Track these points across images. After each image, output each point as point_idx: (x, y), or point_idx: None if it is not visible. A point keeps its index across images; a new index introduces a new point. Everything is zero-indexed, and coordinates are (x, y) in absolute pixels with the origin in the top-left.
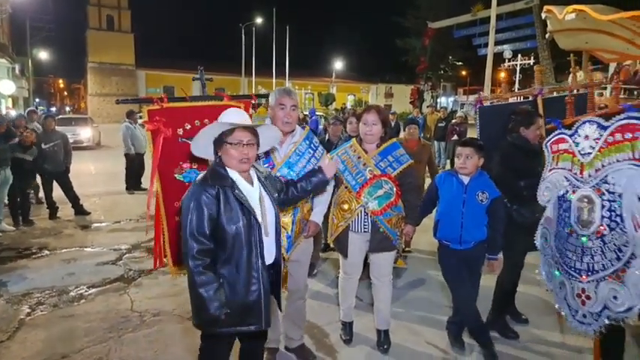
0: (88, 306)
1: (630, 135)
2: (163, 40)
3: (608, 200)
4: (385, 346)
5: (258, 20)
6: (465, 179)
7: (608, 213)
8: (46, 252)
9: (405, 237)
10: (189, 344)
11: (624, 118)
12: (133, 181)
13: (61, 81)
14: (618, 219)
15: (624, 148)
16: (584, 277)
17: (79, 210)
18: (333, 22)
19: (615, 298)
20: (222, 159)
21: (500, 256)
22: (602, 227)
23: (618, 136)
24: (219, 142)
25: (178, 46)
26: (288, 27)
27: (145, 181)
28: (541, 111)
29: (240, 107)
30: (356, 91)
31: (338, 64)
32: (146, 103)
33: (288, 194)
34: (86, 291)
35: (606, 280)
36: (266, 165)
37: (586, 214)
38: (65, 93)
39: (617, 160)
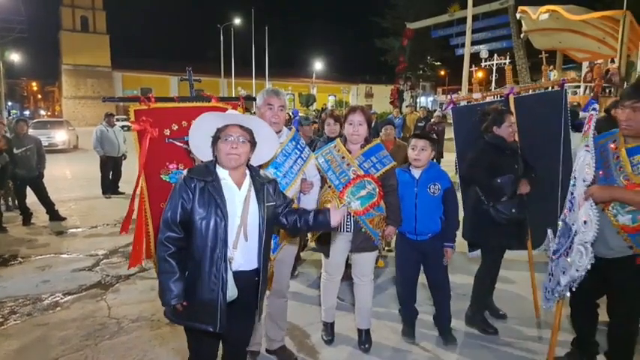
0: (63, 314)
1: (588, 125)
2: (140, 41)
3: (573, 184)
4: (366, 345)
5: (237, 21)
6: (417, 173)
7: (570, 196)
8: (20, 259)
9: (387, 238)
10: (169, 350)
11: (590, 110)
12: (109, 185)
13: (34, 84)
14: (574, 200)
15: (587, 137)
16: (553, 257)
17: (55, 216)
18: (312, 22)
19: (563, 272)
20: (217, 158)
21: (480, 253)
22: (566, 210)
23: (586, 127)
24: (215, 140)
25: (155, 47)
26: (267, 28)
27: (123, 185)
28: (513, 109)
29: (228, 109)
30: (336, 91)
31: (318, 65)
32: (133, 102)
33: (297, 223)
34: (61, 298)
35: (562, 257)
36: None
37: (567, 201)
38: (39, 96)
39: (582, 148)
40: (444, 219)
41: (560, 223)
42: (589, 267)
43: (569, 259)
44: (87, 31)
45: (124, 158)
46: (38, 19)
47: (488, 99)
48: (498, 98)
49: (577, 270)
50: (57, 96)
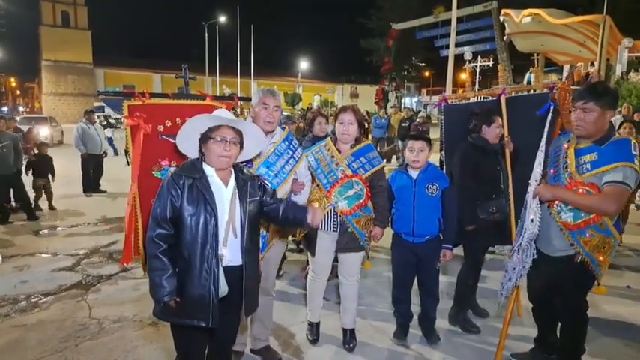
0: (42, 314)
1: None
2: (123, 38)
3: (529, 184)
4: (351, 345)
5: (222, 19)
6: (414, 173)
7: (527, 195)
8: None
9: (374, 238)
10: (151, 350)
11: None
12: (90, 184)
13: (12, 79)
14: (528, 199)
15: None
16: (510, 254)
17: (31, 215)
18: (298, 22)
19: (514, 269)
20: (204, 156)
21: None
22: (523, 209)
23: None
24: (204, 138)
25: (138, 44)
26: (252, 26)
27: (104, 183)
28: (504, 110)
29: (222, 107)
30: (322, 91)
31: (304, 64)
32: (126, 97)
33: (281, 216)
34: (41, 299)
35: (515, 253)
36: (242, 164)
37: (525, 200)
38: (18, 92)
39: (539, 149)
40: (443, 220)
41: (519, 222)
42: (530, 263)
43: (518, 256)
44: (68, 26)
45: (105, 156)
46: (17, 14)
47: (474, 99)
48: (484, 98)
49: (523, 266)
50: (36, 92)
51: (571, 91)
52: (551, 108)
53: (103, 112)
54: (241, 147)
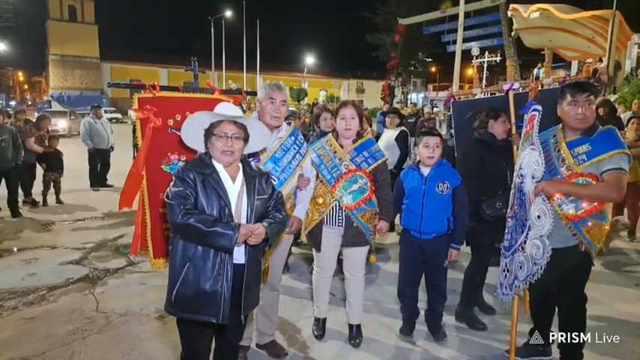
0: (50, 307)
1: (531, 125)
2: (129, 33)
3: (520, 182)
4: (357, 340)
5: (228, 13)
6: (425, 171)
7: (519, 193)
8: (5, 252)
9: (379, 232)
10: (157, 344)
11: (531, 111)
12: (97, 178)
13: (20, 73)
14: (524, 197)
15: (529, 136)
16: (506, 252)
17: (14, 211)
18: (304, 16)
19: (521, 267)
20: (209, 151)
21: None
22: (516, 207)
23: (529, 127)
24: (208, 134)
25: (145, 39)
26: (258, 21)
27: (111, 178)
28: (512, 106)
29: (230, 101)
30: (327, 86)
31: (309, 59)
32: (137, 89)
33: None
34: (48, 292)
35: (517, 252)
36: (250, 159)
37: (511, 197)
38: (25, 86)
39: (526, 147)
40: (453, 219)
41: (509, 219)
42: (548, 259)
43: (525, 254)
44: (75, 20)
45: (112, 150)
46: (25, 8)
47: (481, 95)
48: (491, 94)
49: (535, 264)
50: (44, 86)
51: None
52: (533, 107)
53: (50, 107)
54: (246, 141)
